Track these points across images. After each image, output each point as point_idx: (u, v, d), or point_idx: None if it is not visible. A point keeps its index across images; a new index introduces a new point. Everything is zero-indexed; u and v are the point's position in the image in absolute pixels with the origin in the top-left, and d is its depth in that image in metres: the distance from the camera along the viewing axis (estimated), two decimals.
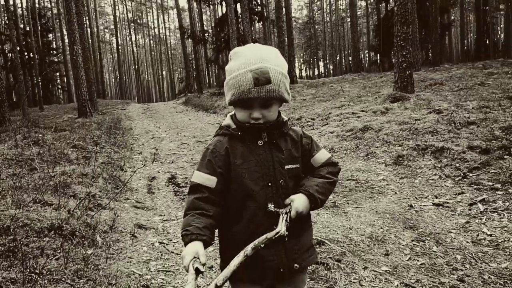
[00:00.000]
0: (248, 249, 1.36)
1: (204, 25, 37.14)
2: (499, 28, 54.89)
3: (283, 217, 1.50)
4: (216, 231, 1.60)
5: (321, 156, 1.69)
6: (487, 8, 33.88)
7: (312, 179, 1.63)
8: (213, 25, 35.06)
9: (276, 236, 1.43)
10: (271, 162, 1.56)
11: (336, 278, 2.89)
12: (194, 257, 1.34)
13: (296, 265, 1.58)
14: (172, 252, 3.66)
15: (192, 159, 8.12)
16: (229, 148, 1.56)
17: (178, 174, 6.88)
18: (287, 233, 1.46)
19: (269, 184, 1.54)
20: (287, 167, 1.59)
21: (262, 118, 1.52)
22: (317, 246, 3.42)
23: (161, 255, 3.60)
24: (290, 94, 1.60)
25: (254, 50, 1.55)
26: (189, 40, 32.82)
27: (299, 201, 1.54)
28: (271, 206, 1.52)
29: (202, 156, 1.61)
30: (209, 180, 1.54)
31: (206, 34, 31.33)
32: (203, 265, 1.33)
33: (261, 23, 35.07)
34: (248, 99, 1.48)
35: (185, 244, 1.42)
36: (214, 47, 28.48)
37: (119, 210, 4.71)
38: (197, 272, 1.29)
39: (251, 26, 27.37)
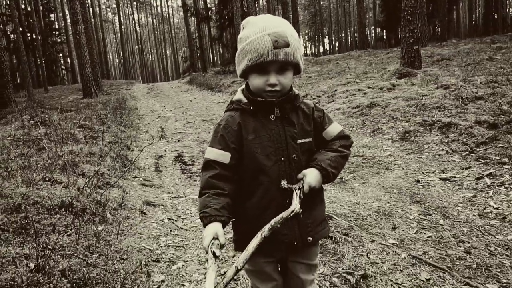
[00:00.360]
0: (265, 229, 1.37)
1: (208, 3, 36.60)
2: (508, 2, 53.64)
3: (296, 193, 1.50)
4: None
5: (333, 129, 1.67)
6: None
7: (325, 153, 1.61)
8: (216, 2, 34.55)
9: (291, 214, 1.43)
10: (283, 136, 1.54)
11: (344, 251, 2.93)
12: (213, 238, 1.36)
13: (309, 238, 1.59)
14: (182, 228, 3.72)
15: (198, 137, 8.14)
16: (241, 123, 1.54)
17: (184, 153, 6.92)
18: (301, 210, 1.46)
19: (282, 158, 1.53)
20: (299, 141, 1.57)
21: (278, 85, 1.49)
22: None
23: (171, 231, 3.66)
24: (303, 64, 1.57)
25: (268, 18, 1.53)
26: (193, 18, 32.39)
27: (311, 176, 1.53)
28: (284, 183, 1.51)
29: (214, 132, 1.58)
30: (223, 156, 1.52)
31: (210, 12, 30.86)
32: (222, 246, 1.37)
33: None
34: (266, 63, 1.44)
35: (204, 226, 1.43)
36: (218, 25, 28.10)
37: (128, 188, 4.76)
38: (215, 255, 1.31)
39: (255, 2, 26.93)
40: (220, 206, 1.45)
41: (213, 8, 32.05)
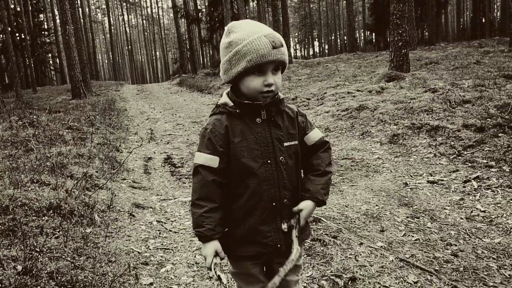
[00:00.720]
0: (276, 280, 1.47)
1: (198, 4, 36.56)
2: (495, 6, 54.44)
3: (294, 233, 1.56)
4: None
5: (315, 135, 1.70)
6: None
7: (315, 181, 1.63)
8: (207, 4, 34.51)
9: (296, 257, 1.53)
10: (270, 139, 1.56)
11: (332, 254, 2.95)
12: (214, 256, 1.49)
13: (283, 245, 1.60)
14: (170, 231, 3.70)
15: (187, 139, 8.11)
16: (228, 126, 1.54)
17: (174, 155, 6.89)
18: (300, 249, 1.57)
19: (268, 161, 1.55)
20: (286, 144, 1.59)
21: (273, 85, 1.52)
22: (314, 223, 3.47)
23: (159, 233, 3.64)
24: None
25: (253, 22, 1.57)
26: (183, 19, 32.34)
27: (307, 210, 1.59)
28: (284, 227, 1.57)
29: (201, 137, 1.58)
30: (211, 160, 1.53)
31: (200, 14, 30.85)
32: (222, 258, 1.52)
33: (256, 2, 34.60)
34: (267, 63, 1.47)
35: (200, 241, 1.53)
36: (208, 27, 28.10)
37: (116, 190, 4.73)
38: (220, 279, 1.42)
39: (246, 5, 26.98)
40: (213, 225, 1.50)
41: (204, 10, 32.07)
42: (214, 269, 1.44)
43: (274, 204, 1.55)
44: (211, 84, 18.62)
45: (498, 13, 47.22)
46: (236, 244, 1.58)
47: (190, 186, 5.11)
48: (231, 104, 1.57)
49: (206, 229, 1.49)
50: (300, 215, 1.58)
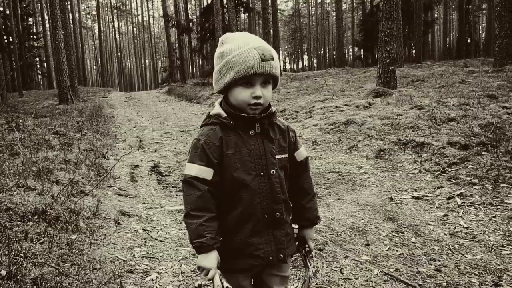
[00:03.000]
0: None
1: (189, 14, 36.73)
2: (480, 27, 55.87)
3: (306, 257, 1.79)
4: None
5: (303, 152, 1.77)
6: (469, 6, 34.49)
7: (311, 209, 1.77)
8: (198, 14, 34.69)
9: (310, 278, 1.75)
10: (263, 152, 1.57)
11: (318, 266, 2.97)
12: (218, 268, 1.51)
13: (281, 255, 1.61)
14: (156, 239, 3.68)
15: (175, 148, 8.10)
16: (223, 138, 1.53)
17: (161, 163, 6.86)
18: (312, 270, 1.76)
19: (261, 173, 1.56)
20: (278, 156, 1.61)
21: (262, 98, 1.51)
22: None
23: (145, 241, 3.62)
24: None
25: (247, 34, 1.57)
26: (173, 28, 32.42)
27: (310, 236, 1.80)
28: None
29: (194, 147, 1.55)
30: (206, 172, 1.51)
31: (191, 23, 30.97)
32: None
33: (247, 14, 34.91)
34: (255, 75, 1.47)
35: (200, 253, 1.50)
36: (199, 37, 28.22)
37: (102, 197, 4.69)
38: None
39: (237, 16, 27.20)
40: (214, 234, 1.50)
41: (195, 20, 32.19)
42: (221, 280, 1.46)
43: (266, 216, 1.56)
44: (200, 93, 18.65)
45: (483, 34, 48.52)
46: (229, 257, 1.57)
47: (177, 195, 5.10)
48: (225, 115, 1.56)
49: (207, 238, 1.47)
50: (309, 246, 1.79)
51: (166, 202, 4.82)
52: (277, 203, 1.58)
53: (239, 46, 1.49)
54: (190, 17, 35.83)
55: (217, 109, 1.59)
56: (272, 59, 1.49)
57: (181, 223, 4.06)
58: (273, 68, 1.50)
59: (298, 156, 1.73)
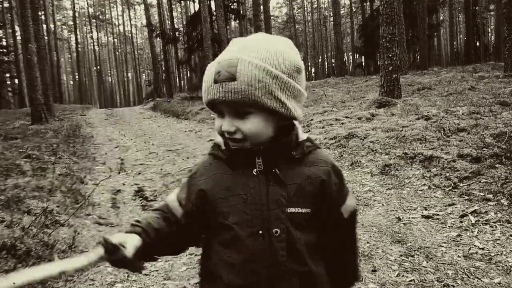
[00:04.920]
0: None
1: (175, 23, 37.08)
2: (489, 29, 56.80)
3: None
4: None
5: (351, 202, 1.33)
6: (476, 8, 35.13)
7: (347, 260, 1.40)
8: (184, 23, 35.04)
9: None
10: (265, 200, 1.18)
11: None
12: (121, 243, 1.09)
13: None
14: (140, 273, 3.63)
15: (161, 170, 8.07)
16: (213, 178, 1.24)
17: (146, 187, 6.82)
18: None
19: (260, 232, 1.18)
20: (289, 210, 1.19)
21: (237, 133, 1.16)
22: None
23: (128, 276, 3.56)
24: (296, 105, 1.23)
25: (250, 38, 1.23)
26: (158, 39, 32.69)
27: None
28: None
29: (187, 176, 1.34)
30: (176, 207, 1.28)
31: (177, 33, 31.27)
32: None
33: (237, 21, 35.29)
34: (211, 101, 1.17)
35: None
36: (186, 47, 28.46)
37: (80, 227, 4.64)
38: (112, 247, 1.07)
39: (227, 24, 27.52)
40: (145, 222, 1.21)
41: (181, 29, 32.50)
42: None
43: (265, 263, 1.17)
44: (188, 109, 18.72)
45: (493, 37, 49.33)
46: None
47: None
48: (223, 146, 1.25)
49: (133, 220, 1.23)
50: None
51: None
52: (280, 277, 1.18)
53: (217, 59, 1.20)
54: (176, 26, 36.19)
55: (217, 138, 1.28)
56: (232, 79, 1.10)
57: None
58: (230, 93, 1.10)
59: (345, 212, 1.29)
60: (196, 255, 3.76)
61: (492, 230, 3.95)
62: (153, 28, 31.67)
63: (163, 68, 33.95)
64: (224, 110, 1.17)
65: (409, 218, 4.50)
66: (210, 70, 1.15)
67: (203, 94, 1.18)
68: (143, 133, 14.10)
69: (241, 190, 1.19)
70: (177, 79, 46.51)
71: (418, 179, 5.61)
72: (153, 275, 3.59)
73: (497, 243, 3.69)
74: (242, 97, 1.10)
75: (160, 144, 11.33)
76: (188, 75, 47.54)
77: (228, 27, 31.34)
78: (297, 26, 72.27)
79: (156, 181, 7.22)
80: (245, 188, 1.19)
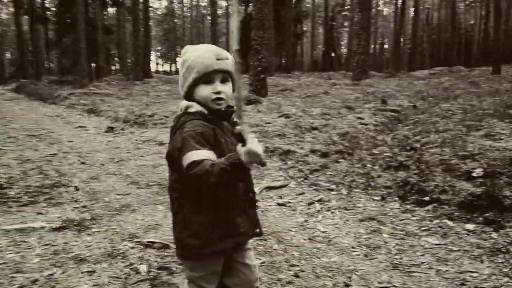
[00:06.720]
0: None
1: (47, 2, 33.54)
2: (343, 43, 62.40)
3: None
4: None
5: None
6: (334, 23, 38.28)
7: None
8: (57, 2, 31.94)
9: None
10: (235, 142, 1.70)
11: None
12: None
13: (257, 229, 1.96)
14: None
15: (20, 155, 7.24)
16: (215, 129, 1.76)
17: (0, 173, 6.05)
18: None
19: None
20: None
21: (222, 93, 1.79)
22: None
23: None
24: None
25: (207, 45, 1.88)
26: (26, 16, 29.30)
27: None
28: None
29: (189, 138, 1.66)
30: (209, 154, 1.65)
31: (49, 13, 28.38)
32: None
33: (115, 8, 33.31)
34: (212, 72, 1.76)
35: (237, 161, 1.55)
36: (57, 28, 26.00)
37: None
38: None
39: (103, 10, 25.78)
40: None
41: (54, 9, 29.63)
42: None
43: (245, 197, 1.87)
44: (57, 93, 17.16)
45: (345, 49, 54.33)
46: (212, 241, 1.77)
47: (18, 211, 4.53)
48: (206, 112, 1.80)
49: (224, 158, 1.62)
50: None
51: (2, 220, 4.24)
52: (252, 184, 1.93)
53: (197, 52, 1.79)
54: (47, 5, 32.78)
55: (196, 107, 1.81)
56: (227, 58, 1.78)
57: (20, 244, 3.60)
58: (228, 66, 1.78)
59: None
60: (52, 245, 3.47)
61: (333, 216, 4.33)
62: (20, 4, 28.29)
63: (31, 48, 30.56)
64: (216, 78, 1.78)
65: (265, 205, 4.71)
66: (207, 54, 1.77)
67: (204, 69, 1.75)
68: (2, 116, 12.53)
69: (227, 137, 1.82)
70: (47, 62, 42.28)
71: (276, 171, 5.91)
72: (0, 268, 3.19)
73: (336, 227, 4.06)
74: (229, 68, 1.79)
75: (21, 129, 10.18)
76: (59, 57, 43.50)
77: (105, 12, 29.40)
78: (176, 21, 70.85)
79: (14, 167, 6.45)
80: (226, 136, 1.82)
